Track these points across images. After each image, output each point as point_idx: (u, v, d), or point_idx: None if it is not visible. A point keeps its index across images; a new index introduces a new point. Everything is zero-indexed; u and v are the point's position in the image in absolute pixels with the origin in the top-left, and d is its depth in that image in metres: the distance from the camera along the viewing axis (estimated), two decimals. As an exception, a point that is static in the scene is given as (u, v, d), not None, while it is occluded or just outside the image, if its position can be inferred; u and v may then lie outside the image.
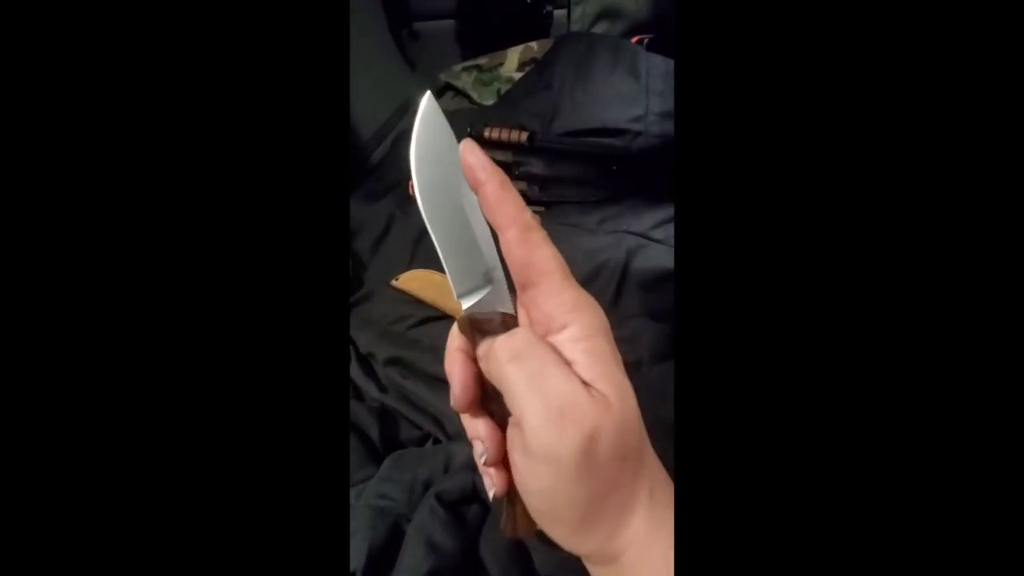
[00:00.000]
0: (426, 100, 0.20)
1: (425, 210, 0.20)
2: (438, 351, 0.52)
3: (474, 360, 0.21)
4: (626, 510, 0.18)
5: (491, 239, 0.20)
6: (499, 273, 0.20)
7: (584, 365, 0.18)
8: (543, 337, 0.19)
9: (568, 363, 0.18)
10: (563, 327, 0.19)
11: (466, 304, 0.20)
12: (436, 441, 0.47)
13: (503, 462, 0.21)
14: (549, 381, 0.18)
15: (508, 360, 0.18)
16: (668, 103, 0.80)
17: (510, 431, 0.20)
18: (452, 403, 0.21)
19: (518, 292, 0.20)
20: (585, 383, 0.18)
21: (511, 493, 0.21)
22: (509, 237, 0.19)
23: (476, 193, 0.19)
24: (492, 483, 0.22)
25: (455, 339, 0.22)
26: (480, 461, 0.22)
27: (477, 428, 0.22)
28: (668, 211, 0.66)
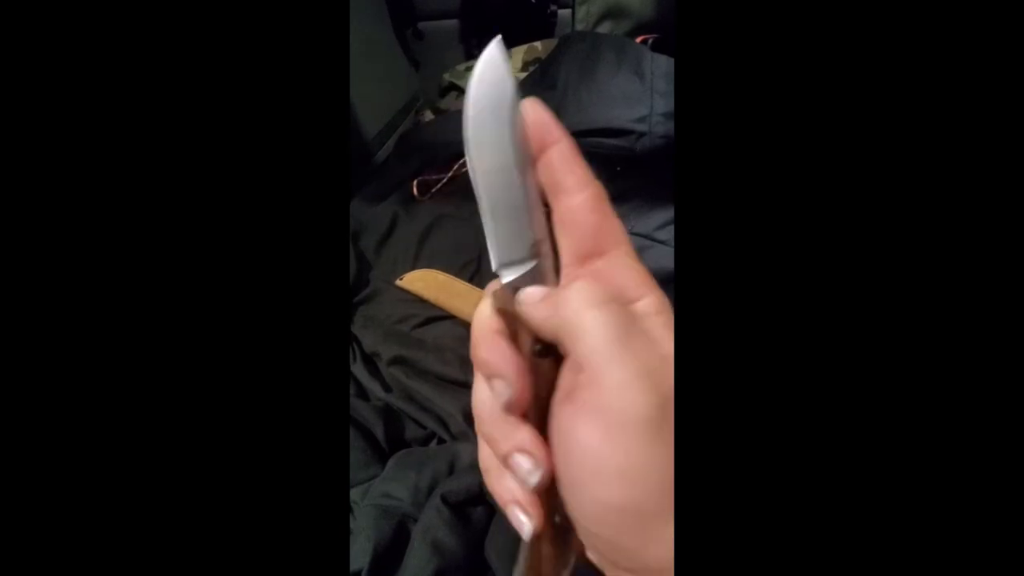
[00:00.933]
0: (493, 45, 0.18)
1: (475, 166, 0.18)
2: (442, 351, 0.52)
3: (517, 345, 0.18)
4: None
5: (542, 211, 0.18)
6: (546, 247, 0.19)
7: (659, 338, 0.16)
8: None
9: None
10: (638, 299, 0.17)
11: (507, 277, 0.18)
12: (440, 441, 0.47)
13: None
14: (634, 339, 0.16)
15: (590, 305, 0.16)
16: (672, 104, 0.80)
17: (568, 401, 0.17)
18: (503, 403, 0.17)
19: (581, 263, 0.18)
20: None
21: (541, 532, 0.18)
22: (579, 202, 0.17)
23: (540, 155, 0.18)
24: (531, 515, 0.17)
25: (491, 321, 0.18)
26: (530, 480, 0.16)
27: (521, 437, 0.17)
28: (671, 212, 0.66)
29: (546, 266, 0.19)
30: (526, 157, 0.18)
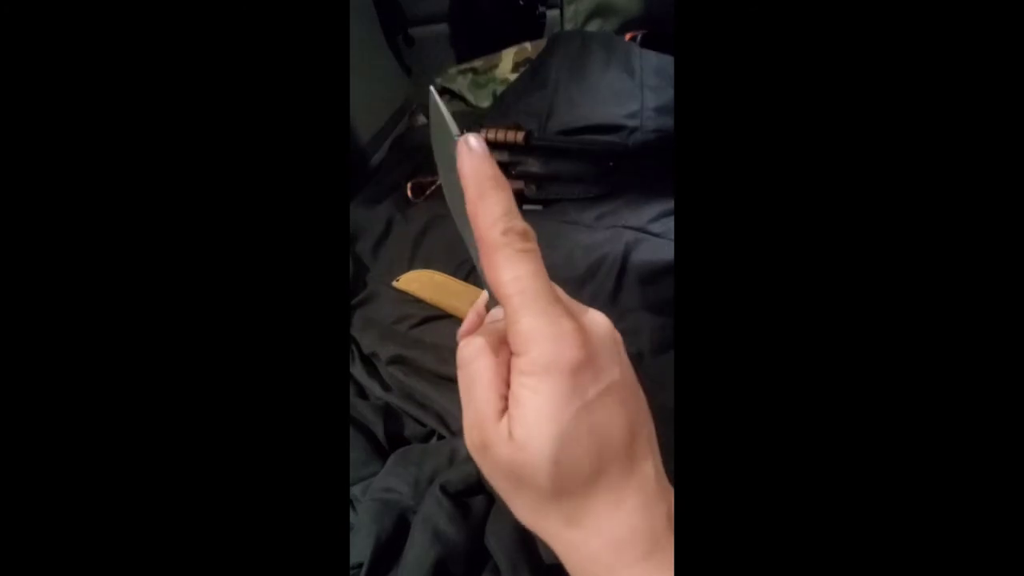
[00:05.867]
0: (432, 96, 0.20)
1: (451, 206, 0.20)
2: (440, 349, 0.53)
3: None
4: (538, 519, 0.20)
5: None
6: None
7: (514, 398, 0.19)
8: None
9: (506, 384, 0.19)
10: (520, 354, 0.18)
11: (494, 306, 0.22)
12: (440, 437, 0.47)
13: None
14: (475, 395, 0.20)
15: (458, 366, 0.21)
16: (663, 98, 0.81)
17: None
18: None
19: None
20: (505, 407, 0.19)
21: None
22: (481, 255, 0.19)
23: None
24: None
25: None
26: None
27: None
28: (665, 205, 0.67)
29: None
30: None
